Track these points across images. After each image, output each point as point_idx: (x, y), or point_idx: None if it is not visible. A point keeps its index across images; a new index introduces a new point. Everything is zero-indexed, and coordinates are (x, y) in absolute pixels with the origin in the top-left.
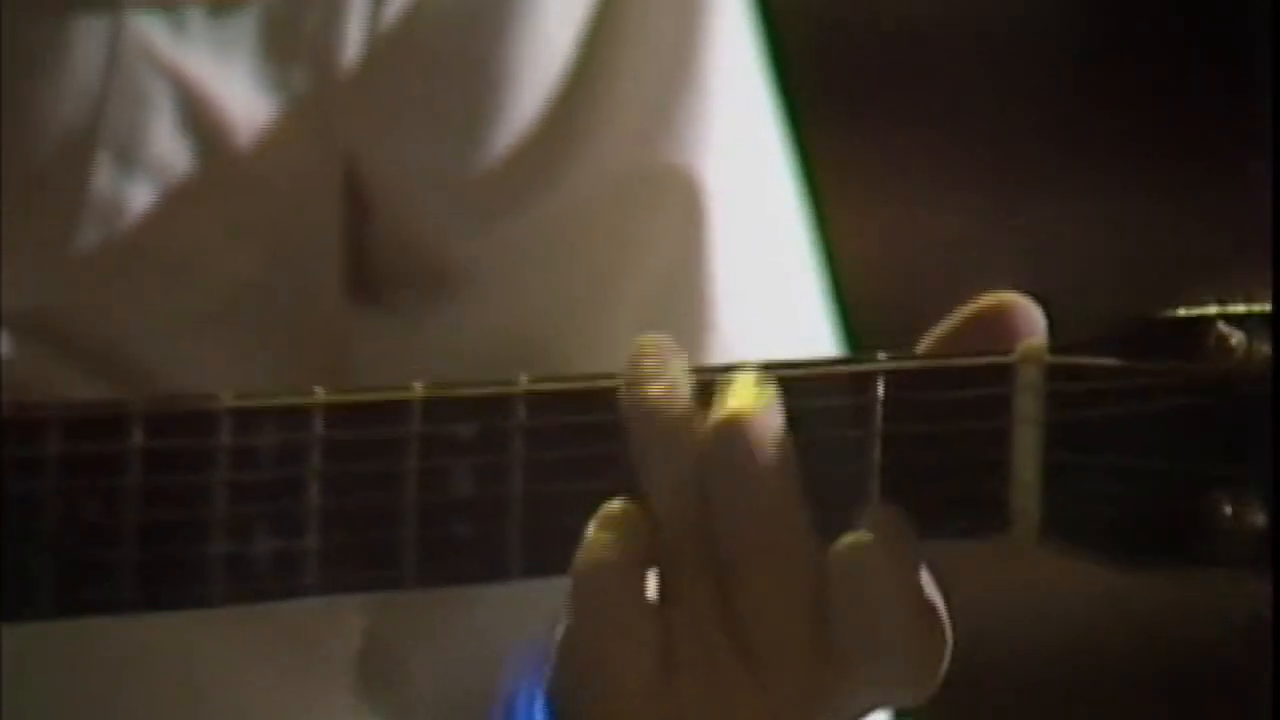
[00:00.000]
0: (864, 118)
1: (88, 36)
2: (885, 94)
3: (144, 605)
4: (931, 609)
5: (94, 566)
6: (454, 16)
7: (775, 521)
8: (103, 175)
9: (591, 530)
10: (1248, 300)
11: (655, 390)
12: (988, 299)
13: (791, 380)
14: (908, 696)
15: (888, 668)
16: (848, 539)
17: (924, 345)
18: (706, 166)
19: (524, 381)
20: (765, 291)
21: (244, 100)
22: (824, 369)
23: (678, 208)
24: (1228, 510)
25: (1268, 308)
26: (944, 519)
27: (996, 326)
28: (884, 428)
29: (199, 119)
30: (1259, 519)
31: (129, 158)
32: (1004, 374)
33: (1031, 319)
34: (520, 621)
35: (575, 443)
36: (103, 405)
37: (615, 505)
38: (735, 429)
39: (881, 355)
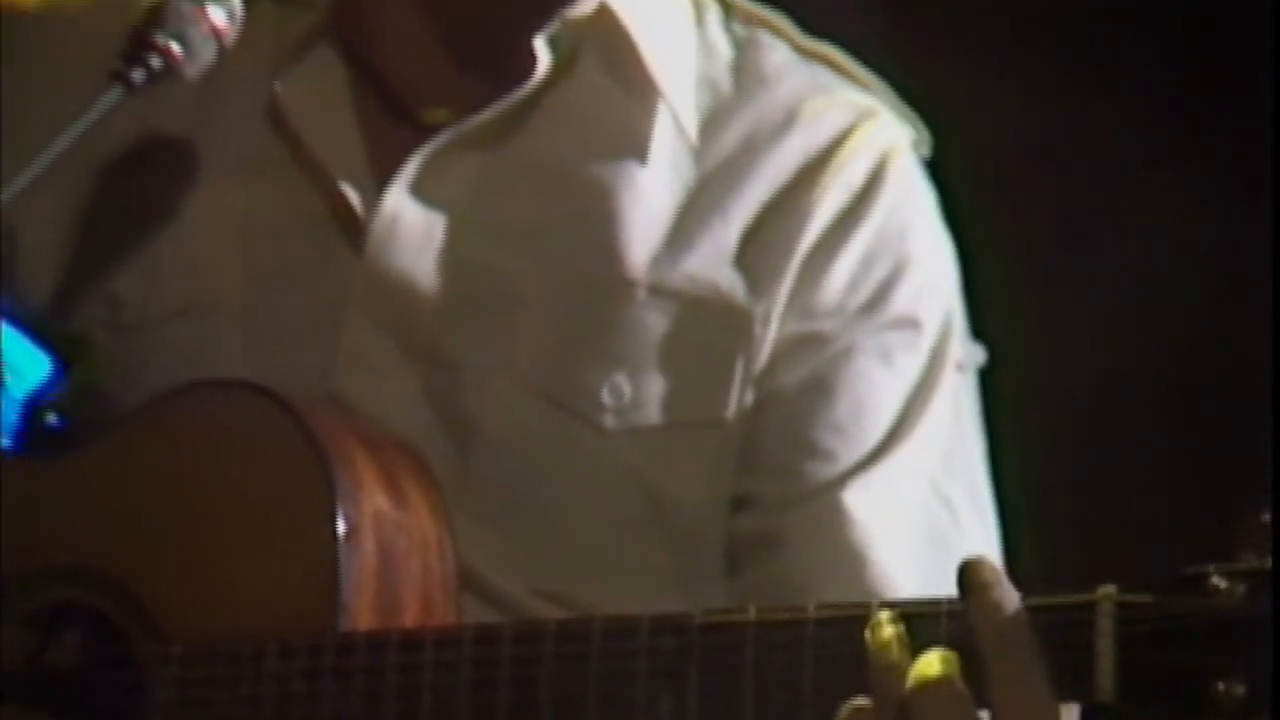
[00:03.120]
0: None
1: None
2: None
3: None
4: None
5: None
6: (794, 387)
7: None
8: None
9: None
10: (1232, 559)
11: (881, 637)
12: None
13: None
14: None
15: None
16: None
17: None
18: None
19: (812, 610)
20: None
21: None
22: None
23: None
24: (1221, 687)
25: (1241, 565)
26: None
27: None
28: None
29: None
30: (1241, 690)
31: None
32: (1090, 608)
33: None
34: None
35: (845, 645)
36: (523, 625)
37: (856, 701)
38: (926, 686)
39: None
